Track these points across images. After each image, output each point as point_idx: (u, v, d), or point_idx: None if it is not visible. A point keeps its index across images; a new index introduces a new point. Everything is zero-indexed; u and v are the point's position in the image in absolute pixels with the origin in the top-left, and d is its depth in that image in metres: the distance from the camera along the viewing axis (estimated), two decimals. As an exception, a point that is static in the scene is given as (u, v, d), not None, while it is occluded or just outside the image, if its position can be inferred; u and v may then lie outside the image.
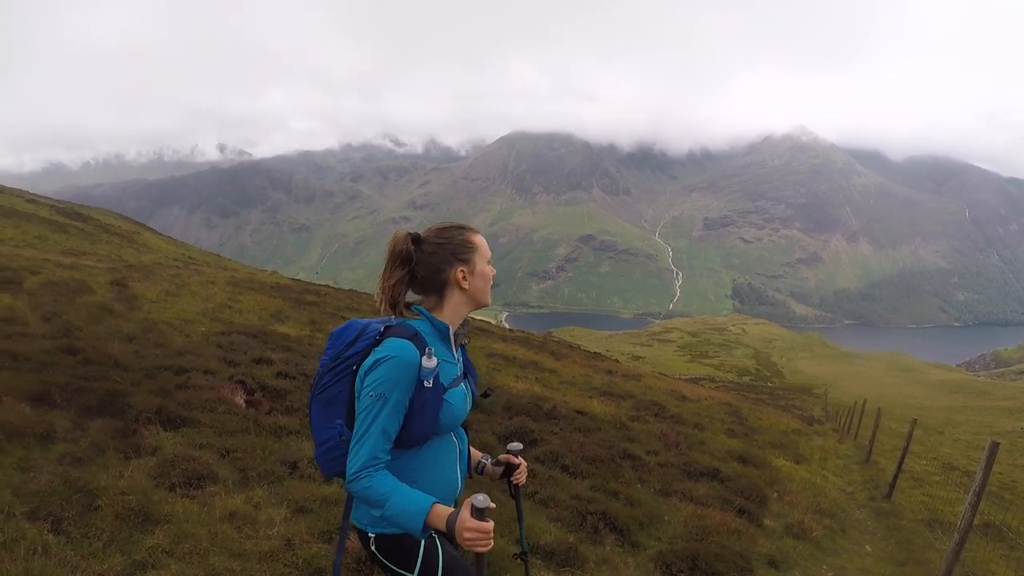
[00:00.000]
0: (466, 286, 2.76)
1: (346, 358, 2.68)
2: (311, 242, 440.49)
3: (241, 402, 7.92)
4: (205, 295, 18.74)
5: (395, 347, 2.56)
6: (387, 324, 2.71)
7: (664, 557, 6.53)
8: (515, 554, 3.92)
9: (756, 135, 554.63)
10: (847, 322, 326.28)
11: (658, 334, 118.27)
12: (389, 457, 2.54)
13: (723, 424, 18.83)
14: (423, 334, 2.67)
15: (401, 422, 2.56)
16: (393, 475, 2.52)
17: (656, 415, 16.66)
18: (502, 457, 3.19)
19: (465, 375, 2.89)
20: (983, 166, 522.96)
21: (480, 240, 2.83)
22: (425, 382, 2.58)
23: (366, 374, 2.56)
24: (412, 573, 2.63)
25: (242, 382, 8.65)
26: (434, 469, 2.75)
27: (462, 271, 2.74)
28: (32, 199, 46.15)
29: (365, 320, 2.80)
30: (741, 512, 8.95)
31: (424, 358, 2.58)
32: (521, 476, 3.20)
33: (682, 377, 51.75)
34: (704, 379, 60.23)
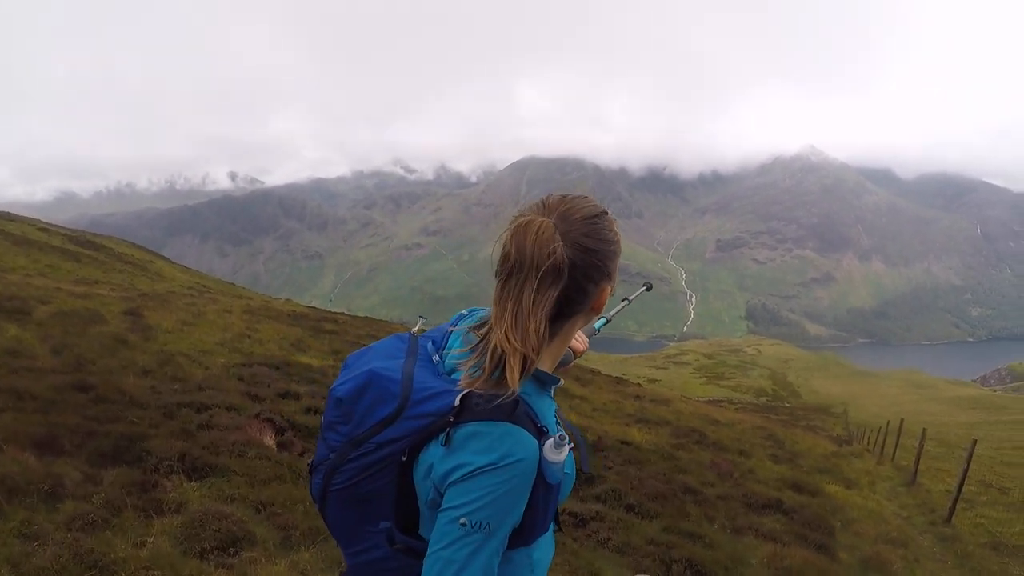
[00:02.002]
0: (600, 311, 1.73)
1: (380, 444, 1.59)
2: (324, 270, 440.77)
3: (272, 443, 7.12)
4: (222, 324, 18.07)
5: (509, 445, 1.49)
6: (461, 388, 1.57)
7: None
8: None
9: (767, 156, 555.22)
10: (861, 341, 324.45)
11: (673, 356, 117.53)
12: None
13: (765, 449, 18.56)
14: (524, 394, 1.59)
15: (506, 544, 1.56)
16: None
17: (697, 442, 16.20)
18: None
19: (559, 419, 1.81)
20: (994, 182, 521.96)
21: None
22: (550, 481, 1.56)
23: (449, 484, 1.49)
24: None
25: (270, 420, 7.86)
26: (535, 570, 1.74)
27: (609, 289, 1.70)
28: (44, 228, 45.72)
29: (387, 361, 1.70)
30: (818, 548, 8.47)
31: (547, 448, 1.53)
32: None
33: (701, 399, 51.25)
34: (723, 401, 59.79)
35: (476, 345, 1.63)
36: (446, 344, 1.77)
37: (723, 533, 8.22)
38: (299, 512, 5.38)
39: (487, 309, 1.72)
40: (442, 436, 1.51)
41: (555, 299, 1.57)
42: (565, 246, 1.57)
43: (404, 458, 1.57)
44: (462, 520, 1.46)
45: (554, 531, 1.86)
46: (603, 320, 2.14)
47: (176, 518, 4.85)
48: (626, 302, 2.45)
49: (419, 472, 1.57)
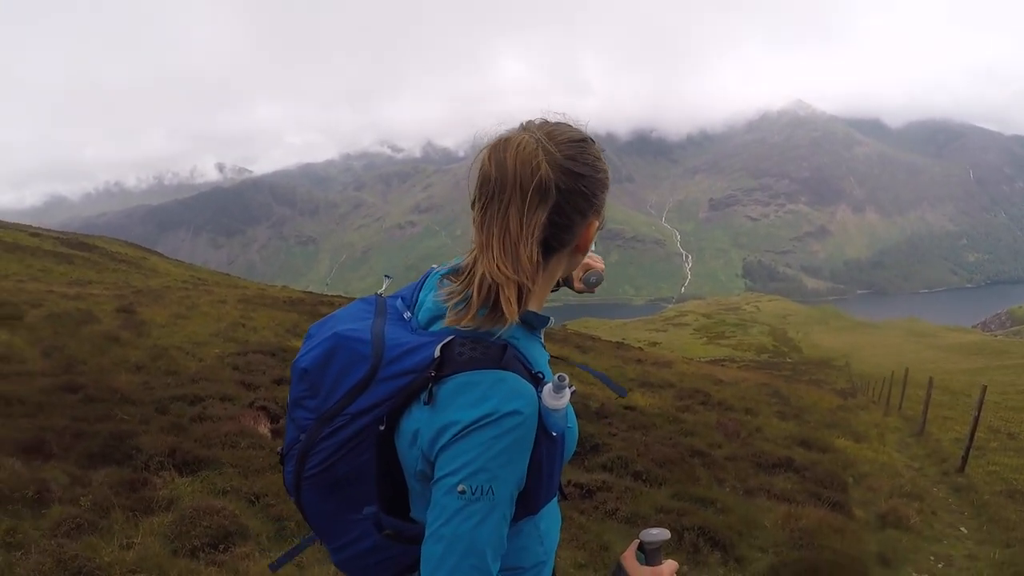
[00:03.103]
0: (588, 248, 1.52)
1: (355, 415, 1.37)
2: (319, 254, 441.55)
3: (266, 432, 6.97)
4: (217, 315, 17.92)
5: (504, 393, 1.28)
6: (442, 334, 1.38)
7: (779, 573, 5.65)
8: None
9: (754, 112, 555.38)
10: (860, 292, 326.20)
11: (672, 318, 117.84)
12: None
13: (770, 407, 18.40)
14: (512, 338, 1.40)
15: (514, 508, 1.34)
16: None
17: (703, 403, 16.08)
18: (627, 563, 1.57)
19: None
20: (985, 126, 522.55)
21: None
22: (552, 431, 1.34)
23: (439, 449, 1.28)
24: None
25: (264, 408, 7.72)
26: (544, 541, 1.52)
27: (598, 225, 1.49)
28: (36, 232, 45.50)
29: (354, 323, 1.49)
30: (832, 506, 8.28)
31: (546, 394, 1.32)
32: None
33: (703, 359, 51.42)
34: (725, 360, 59.95)
35: (462, 279, 1.42)
36: (416, 299, 1.56)
37: (734, 496, 8.07)
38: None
39: (459, 259, 1.51)
40: (424, 395, 1.30)
41: (544, 223, 1.37)
42: (549, 167, 1.36)
43: (382, 428, 1.34)
44: (460, 487, 1.24)
45: (558, 500, 1.64)
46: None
47: (166, 516, 4.70)
48: None
49: (403, 442, 1.35)
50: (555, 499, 1.58)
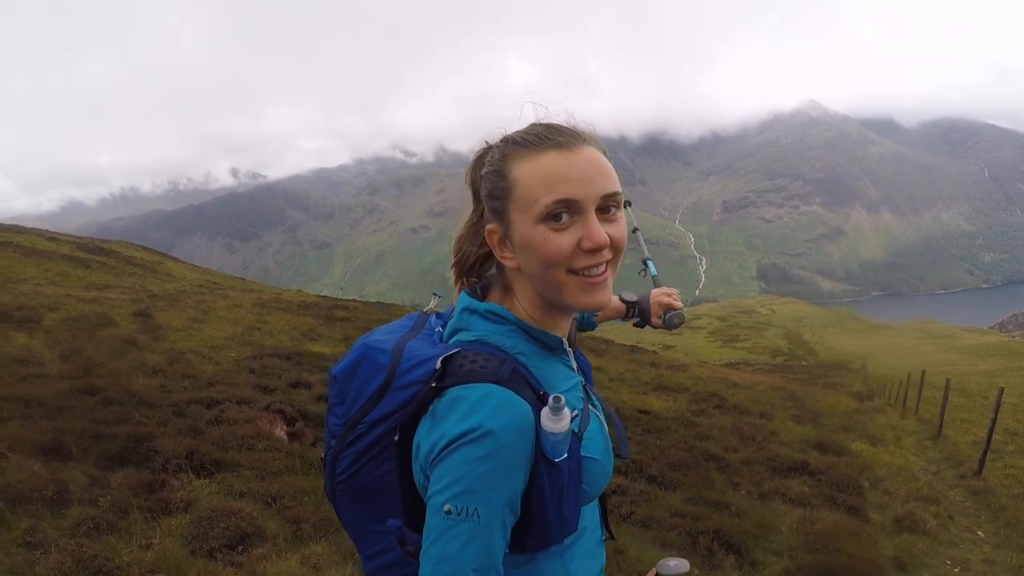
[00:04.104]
0: (510, 264, 1.42)
1: (371, 423, 1.40)
2: (333, 258, 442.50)
3: (282, 435, 7.00)
4: (232, 319, 18.01)
5: (488, 410, 1.23)
6: (449, 347, 1.38)
7: (794, 578, 5.64)
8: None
9: (766, 114, 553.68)
10: (875, 293, 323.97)
11: (687, 322, 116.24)
12: None
13: (786, 410, 18.22)
14: (520, 355, 1.39)
15: (509, 534, 1.27)
16: None
17: (717, 407, 15.97)
18: None
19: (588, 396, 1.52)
20: (999, 124, 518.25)
21: (531, 169, 1.34)
22: (552, 457, 1.28)
23: (432, 464, 1.24)
24: None
25: (281, 411, 7.75)
26: None
27: (491, 230, 1.42)
28: (53, 237, 45.75)
29: (387, 335, 1.52)
30: (848, 510, 8.28)
31: (545, 415, 1.26)
32: None
33: (718, 363, 51.12)
34: (740, 363, 59.50)
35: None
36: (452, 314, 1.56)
37: (749, 500, 8.04)
38: (309, 504, 5.24)
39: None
40: (431, 407, 1.28)
41: (474, 220, 1.48)
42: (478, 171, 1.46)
43: (396, 438, 1.33)
44: (447, 507, 1.20)
45: (604, 539, 1.58)
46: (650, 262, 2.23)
47: (184, 517, 4.74)
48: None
49: (413, 456, 1.31)
50: (598, 539, 1.54)
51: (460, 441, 1.21)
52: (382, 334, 1.53)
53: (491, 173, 1.39)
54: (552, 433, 1.25)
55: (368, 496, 1.45)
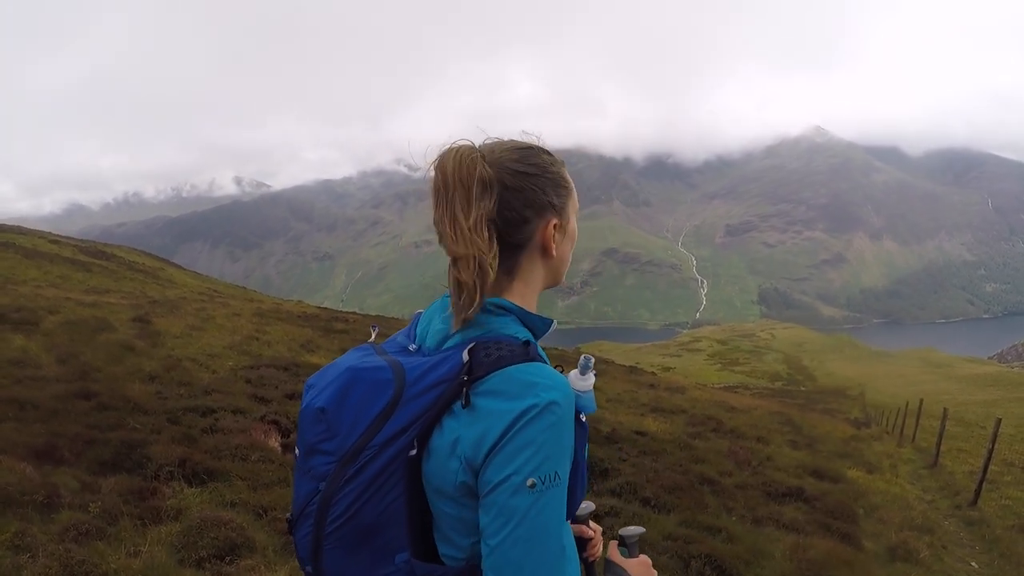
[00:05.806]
0: (554, 252, 1.52)
1: (384, 443, 1.32)
2: (335, 270, 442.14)
3: (276, 446, 6.99)
4: (231, 328, 18.02)
5: (543, 381, 1.29)
6: (460, 345, 1.38)
7: (786, 606, 5.59)
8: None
9: (772, 138, 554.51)
10: (876, 321, 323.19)
11: (687, 344, 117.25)
12: None
13: (782, 435, 18.24)
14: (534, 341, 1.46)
15: None
16: None
17: (714, 430, 15.94)
18: (615, 559, 1.67)
19: None
20: (1003, 154, 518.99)
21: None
22: (582, 415, 1.40)
23: (490, 453, 1.25)
24: None
25: (275, 422, 7.75)
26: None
27: (556, 223, 1.51)
28: (55, 239, 45.85)
29: (359, 357, 1.48)
30: (842, 537, 8.23)
31: (573, 378, 1.44)
32: (596, 549, 1.70)
33: (716, 386, 51.10)
34: (738, 387, 59.55)
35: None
36: (416, 334, 1.53)
37: (743, 525, 8.01)
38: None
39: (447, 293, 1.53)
40: (459, 401, 1.28)
41: (491, 211, 1.41)
42: (490, 166, 1.43)
43: (413, 452, 1.30)
44: (530, 481, 1.23)
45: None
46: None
47: (174, 526, 4.72)
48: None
49: (437, 460, 1.30)
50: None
51: (527, 416, 1.25)
52: (353, 361, 1.47)
53: (557, 174, 1.53)
54: (583, 392, 1.43)
55: (370, 537, 1.35)
